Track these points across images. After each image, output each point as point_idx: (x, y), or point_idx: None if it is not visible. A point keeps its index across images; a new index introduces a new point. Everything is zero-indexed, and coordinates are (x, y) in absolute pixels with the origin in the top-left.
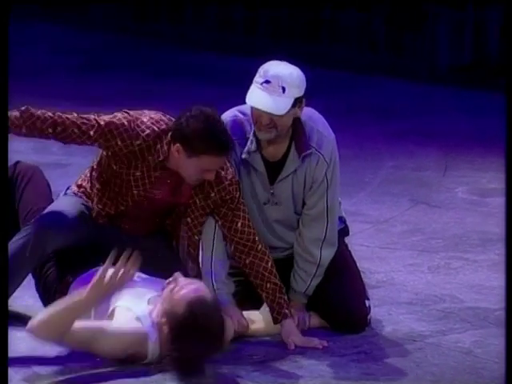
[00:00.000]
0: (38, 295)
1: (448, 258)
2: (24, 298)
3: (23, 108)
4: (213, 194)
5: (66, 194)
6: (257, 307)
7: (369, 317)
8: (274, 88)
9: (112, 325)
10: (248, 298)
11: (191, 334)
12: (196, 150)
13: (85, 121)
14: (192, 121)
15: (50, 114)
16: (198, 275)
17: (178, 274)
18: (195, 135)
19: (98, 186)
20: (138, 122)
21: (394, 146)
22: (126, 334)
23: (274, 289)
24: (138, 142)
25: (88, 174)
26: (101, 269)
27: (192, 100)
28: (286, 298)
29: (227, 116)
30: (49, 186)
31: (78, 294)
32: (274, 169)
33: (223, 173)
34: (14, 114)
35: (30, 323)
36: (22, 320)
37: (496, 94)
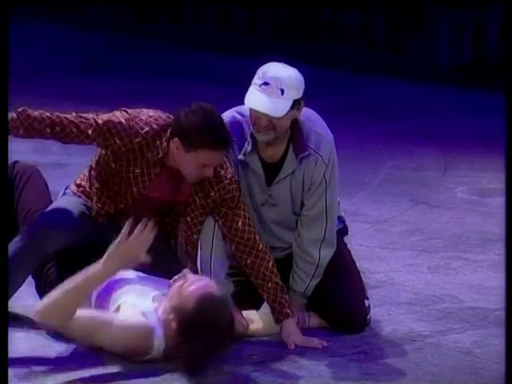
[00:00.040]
0: (37, 295)
1: (448, 258)
2: (24, 297)
3: (20, 109)
4: (212, 193)
5: (64, 193)
6: (256, 307)
7: (368, 316)
8: (272, 90)
9: (118, 317)
10: (247, 298)
11: (200, 330)
12: (194, 145)
13: (83, 120)
14: (191, 116)
15: (47, 114)
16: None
17: (186, 271)
18: (193, 129)
19: (97, 184)
20: (137, 120)
21: (393, 145)
22: (131, 327)
23: (275, 288)
24: (138, 140)
25: (87, 174)
26: (119, 236)
27: (192, 100)
28: (287, 297)
29: (225, 117)
30: (46, 185)
31: (92, 267)
32: (272, 170)
33: (223, 172)
34: (10, 115)
35: (36, 307)
36: (21, 320)
37: (496, 94)
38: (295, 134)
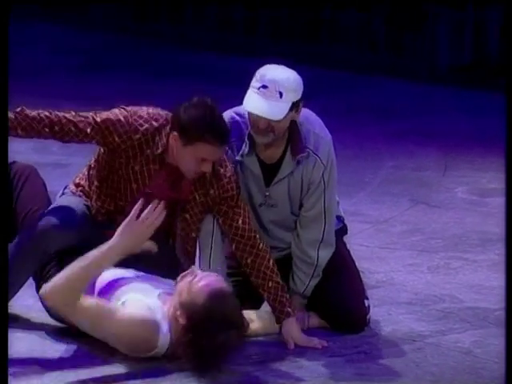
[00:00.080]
0: (37, 296)
1: (447, 258)
2: (24, 297)
3: (18, 109)
4: (212, 191)
5: (63, 193)
6: (256, 307)
7: (368, 316)
8: (271, 93)
9: (125, 309)
10: (246, 298)
11: (210, 326)
12: (192, 138)
13: (82, 118)
14: (190, 109)
15: (46, 113)
16: None
17: (194, 267)
18: (192, 123)
19: (96, 183)
20: (136, 117)
21: (393, 145)
22: (137, 319)
23: (276, 287)
24: (137, 137)
25: (86, 173)
26: (130, 214)
27: None
28: (287, 296)
29: (224, 117)
30: (45, 185)
31: (100, 246)
32: (270, 171)
33: (222, 170)
34: (8, 115)
35: (44, 287)
36: (21, 320)
37: (496, 94)
38: (293, 136)
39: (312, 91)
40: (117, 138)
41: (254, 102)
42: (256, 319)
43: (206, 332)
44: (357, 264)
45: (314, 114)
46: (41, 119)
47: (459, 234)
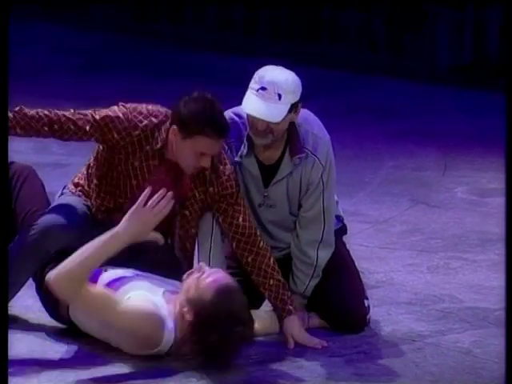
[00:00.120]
0: (37, 296)
1: (447, 258)
2: (24, 298)
3: (17, 108)
4: (211, 189)
5: (62, 193)
6: (255, 307)
7: (368, 316)
8: (269, 95)
9: (130, 301)
10: (247, 298)
11: (217, 322)
12: (191, 131)
13: (81, 116)
14: (190, 103)
15: (45, 112)
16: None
17: (202, 264)
18: (191, 116)
19: (95, 181)
20: (136, 114)
21: (393, 145)
22: (142, 313)
23: (277, 285)
24: (137, 133)
25: (85, 172)
26: (137, 202)
27: None
28: (289, 294)
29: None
30: (43, 186)
31: (106, 233)
32: (269, 172)
33: (221, 167)
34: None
35: (49, 274)
36: (21, 321)
37: (496, 94)
38: (291, 136)
39: (312, 91)
40: (116, 135)
41: (252, 104)
42: (256, 319)
43: (214, 328)
44: (356, 264)
45: (312, 115)
46: (40, 118)
47: (459, 234)
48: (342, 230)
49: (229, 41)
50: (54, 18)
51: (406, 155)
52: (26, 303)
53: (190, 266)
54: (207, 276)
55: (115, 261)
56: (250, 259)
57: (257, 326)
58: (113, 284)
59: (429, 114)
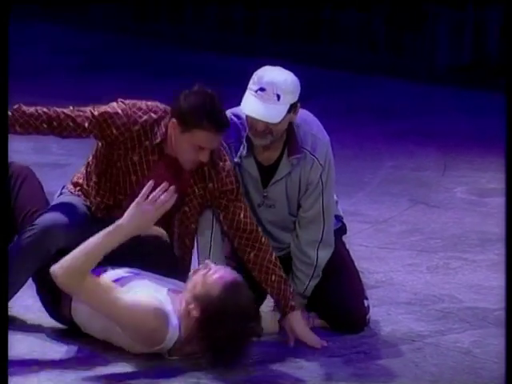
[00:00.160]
0: (37, 296)
1: (447, 258)
2: (24, 298)
3: (15, 106)
4: (210, 185)
5: (61, 193)
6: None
7: (368, 317)
8: (268, 96)
9: (135, 296)
10: None
11: (226, 317)
12: (190, 125)
13: (80, 113)
14: (190, 97)
15: (44, 109)
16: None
17: (208, 261)
18: (191, 110)
19: (94, 178)
20: (135, 109)
21: (393, 145)
22: (147, 307)
23: (279, 281)
24: (136, 128)
25: (83, 171)
26: (139, 195)
27: None
28: (291, 290)
29: None
30: (42, 186)
31: (109, 227)
32: (268, 172)
33: (221, 163)
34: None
35: (53, 267)
36: (21, 321)
37: (496, 94)
38: (289, 137)
39: (312, 91)
40: (115, 131)
41: (251, 105)
42: None
43: (222, 323)
44: (356, 264)
45: (311, 115)
46: (39, 115)
47: (458, 233)
48: (341, 230)
49: (229, 41)
50: (54, 17)
51: (406, 155)
52: (25, 303)
53: (189, 263)
54: (214, 272)
55: (116, 261)
56: (252, 255)
57: None
58: (116, 283)
59: (429, 113)
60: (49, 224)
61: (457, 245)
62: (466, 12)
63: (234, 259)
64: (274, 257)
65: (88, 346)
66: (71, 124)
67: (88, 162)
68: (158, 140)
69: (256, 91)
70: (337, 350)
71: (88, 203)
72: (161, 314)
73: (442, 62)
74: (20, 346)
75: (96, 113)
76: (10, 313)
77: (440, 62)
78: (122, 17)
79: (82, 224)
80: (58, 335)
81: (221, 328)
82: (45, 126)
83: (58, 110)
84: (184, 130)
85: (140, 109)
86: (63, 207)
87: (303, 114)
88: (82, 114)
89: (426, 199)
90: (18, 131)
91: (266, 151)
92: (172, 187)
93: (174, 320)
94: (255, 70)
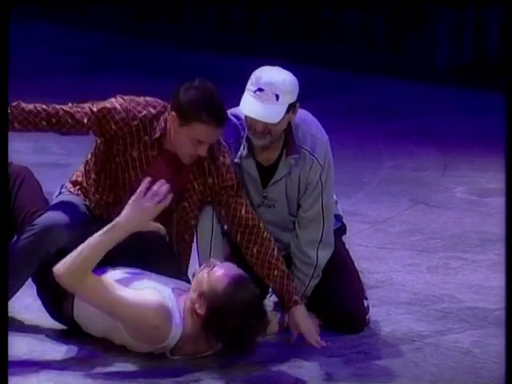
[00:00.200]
0: (37, 296)
1: (447, 258)
2: (23, 297)
3: (14, 103)
4: (210, 180)
5: (60, 192)
6: None
7: (367, 317)
8: (267, 96)
9: (138, 293)
10: None
11: (233, 312)
12: (188, 118)
13: (79, 109)
14: (190, 90)
15: (43, 106)
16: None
17: (212, 260)
18: (190, 103)
19: (93, 176)
20: (134, 104)
21: (393, 145)
22: (150, 304)
23: (281, 276)
24: (136, 123)
25: (82, 169)
26: (137, 192)
27: None
28: (294, 284)
29: None
30: (40, 186)
31: (108, 225)
32: (267, 173)
33: (221, 158)
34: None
35: (55, 267)
36: (21, 321)
37: (496, 94)
38: (288, 137)
39: (312, 91)
40: (113, 126)
41: (250, 106)
42: None
43: (228, 319)
44: (356, 264)
45: (310, 115)
46: (38, 112)
47: (458, 234)
48: (341, 230)
49: (229, 41)
50: (54, 17)
51: (406, 155)
52: (25, 303)
53: (189, 259)
54: (218, 269)
55: (117, 259)
56: (254, 250)
57: None
58: (121, 282)
59: (429, 113)
60: (49, 224)
61: (457, 245)
62: (466, 12)
63: (234, 260)
64: (276, 251)
65: (88, 346)
66: (70, 120)
67: (87, 160)
68: (158, 135)
69: (254, 91)
70: (337, 349)
71: (87, 202)
72: (164, 311)
73: (442, 61)
74: (20, 346)
75: (95, 109)
76: (10, 312)
77: (440, 61)
78: (122, 17)
79: (82, 224)
80: (57, 335)
81: (228, 323)
82: (44, 122)
83: (56, 106)
84: (183, 123)
85: (139, 104)
86: (63, 207)
87: (302, 113)
88: (80, 110)
89: (426, 199)
90: (16, 128)
91: (266, 151)
92: (168, 185)
93: (178, 318)
94: (255, 70)
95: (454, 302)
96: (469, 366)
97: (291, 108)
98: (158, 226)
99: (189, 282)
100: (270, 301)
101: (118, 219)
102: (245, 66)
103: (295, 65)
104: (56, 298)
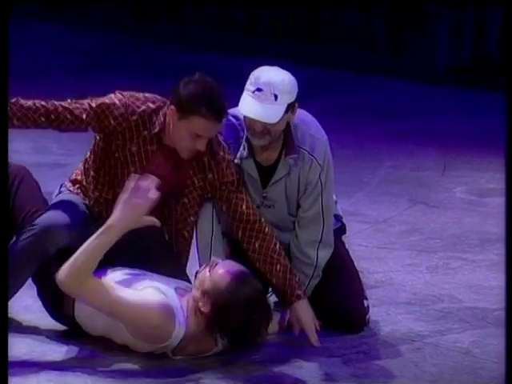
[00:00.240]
0: (37, 296)
1: (446, 258)
2: (23, 298)
3: (13, 100)
4: (210, 175)
5: (60, 192)
6: None
7: (367, 317)
8: (266, 96)
9: (141, 293)
10: None
11: (236, 308)
12: (187, 111)
13: (78, 105)
14: (190, 84)
15: (42, 102)
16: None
17: (214, 258)
18: (189, 97)
19: (92, 173)
20: (133, 100)
21: (393, 145)
22: (153, 303)
23: (284, 270)
24: (135, 118)
25: (82, 168)
26: (124, 189)
27: None
28: (297, 279)
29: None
30: (39, 186)
31: (105, 225)
32: (267, 173)
33: (221, 153)
34: (7, 113)
35: (57, 274)
36: (21, 321)
37: (496, 94)
38: (287, 137)
39: (312, 91)
40: (112, 121)
41: (249, 106)
42: None
43: (232, 315)
44: (356, 264)
45: (309, 115)
46: (36, 108)
47: (458, 233)
48: (341, 230)
49: (229, 41)
50: (54, 17)
51: (406, 155)
52: (25, 303)
53: (188, 256)
54: (220, 267)
55: (117, 260)
56: (256, 245)
57: None
58: (122, 283)
59: (429, 114)
60: (48, 224)
61: (456, 245)
62: (466, 12)
63: (234, 260)
64: (278, 246)
65: (88, 347)
66: (69, 116)
67: (86, 158)
68: (157, 129)
69: (253, 92)
70: (336, 350)
71: (87, 201)
72: (166, 310)
73: (442, 61)
74: (20, 346)
75: (94, 104)
76: (9, 313)
77: (440, 61)
78: (122, 17)
79: (82, 223)
80: (58, 335)
81: (232, 319)
82: (43, 119)
83: (55, 102)
84: (182, 116)
85: (138, 99)
86: (62, 206)
87: (301, 113)
88: (79, 106)
89: (426, 199)
90: (15, 125)
91: (265, 152)
92: (155, 178)
93: (181, 317)
94: (255, 70)
95: (453, 302)
96: (468, 365)
97: (290, 108)
98: (153, 220)
99: (189, 281)
100: (270, 301)
101: (110, 220)
102: (245, 66)
103: (295, 65)
104: (57, 298)
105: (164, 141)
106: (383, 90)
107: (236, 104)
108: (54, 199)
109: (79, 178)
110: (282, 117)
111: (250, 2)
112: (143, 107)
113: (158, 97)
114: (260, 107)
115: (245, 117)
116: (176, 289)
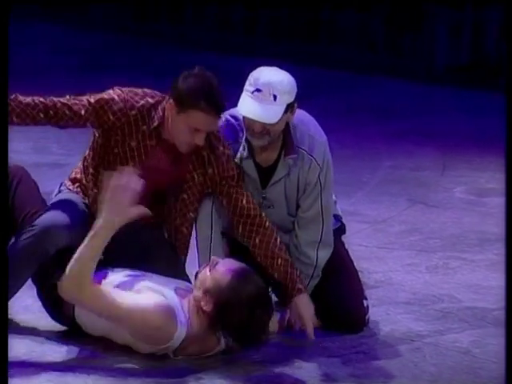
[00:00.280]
0: (37, 297)
1: (446, 257)
2: (23, 298)
3: (12, 96)
4: (210, 170)
5: (60, 191)
6: None
7: (367, 317)
8: (265, 96)
9: (142, 294)
10: None
11: (239, 305)
12: (186, 105)
13: (76, 101)
14: (189, 78)
15: (40, 99)
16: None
17: (214, 257)
18: (188, 91)
19: (92, 170)
20: (132, 95)
21: (393, 145)
22: (154, 304)
23: (285, 264)
24: (134, 113)
25: (81, 166)
26: (108, 186)
27: None
28: (298, 273)
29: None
30: (37, 186)
31: (94, 228)
32: (267, 173)
33: (221, 148)
34: (6, 112)
35: (58, 283)
36: (20, 321)
37: (495, 94)
38: (286, 137)
39: (312, 91)
40: (111, 117)
41: (248, 106)
42: None
43: (235, 312)
44: (355, 264)
45: (308, 116)
46: (35, 105)
47: (457, 233)
48: (340, 230)
49: (229, 41)
50: (54, 17)
51: (405, 155)
52: (25, 303)
53: (187, 252)
54: (221, 265)
55: (116, 260)
56: (257, 240)
57: None
58: (122, 286)
59: (428, 114)
60: (48, 224)
61: (456, 245)
62: (465, 12)
63: (234, 259)
64: (278, 241)
65: (88, 347)
66: (68, 112)
67: (85, 156)
68: (156, 124)
69: (252, 92)
70: (336, 350)
71: (87, 200)
72: (166, 312)
73: (442, 61)
74: (19, 346)
75: (92, 100)
76: (9, 314)
77: (439, 61)
78: (122, 17)
79: (82, 223)
80: (57, 336)
81: (235, 317)
82: (41, 115)
83: (54, 99)
84: (180, 110)
85: (137, 94)
86: (62, 206)
87: (300, 114)
88: (78, 102)
89: (425, 199)
90: (14, 122)
91: (264, 152)
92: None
93: (183, 318)
94: (254, 70)
95: (452, 301)
96: (468, 365)
97: (289, 108)
98: (144, 210)
99: (189, 281)
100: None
101: (98, 221)
102: (244, 66)
103: (295, 65)
104: (57, 299)
105: (163, 135)
106: (383, 90)
107: (235, 104)
108: (53, 198)
109: (79, 176)
110: (281, 117)
111: (249, 2)
112: (142, 102)
113: (158, 92)
114: (259, 108)
115: (244, 117)
116: (176, 289)
